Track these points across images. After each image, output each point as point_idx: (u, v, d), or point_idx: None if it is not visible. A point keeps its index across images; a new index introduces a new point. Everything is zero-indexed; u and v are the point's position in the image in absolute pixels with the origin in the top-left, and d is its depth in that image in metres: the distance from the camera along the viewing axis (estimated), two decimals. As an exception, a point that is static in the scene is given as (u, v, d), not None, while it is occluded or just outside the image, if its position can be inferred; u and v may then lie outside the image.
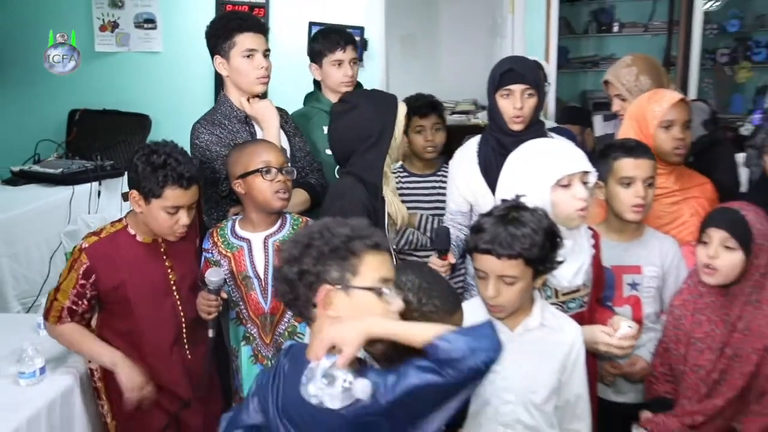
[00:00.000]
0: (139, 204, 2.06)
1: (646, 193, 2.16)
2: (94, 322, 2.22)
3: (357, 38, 3.11)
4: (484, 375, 1.32)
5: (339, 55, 2.84)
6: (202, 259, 2.30)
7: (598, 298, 2.17)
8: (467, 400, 1.59)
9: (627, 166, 2.17)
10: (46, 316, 2.16)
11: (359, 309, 1.40)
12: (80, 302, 2.11)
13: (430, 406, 1.33)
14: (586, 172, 1.97)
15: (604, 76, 2.79)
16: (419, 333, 1.34)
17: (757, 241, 1.95)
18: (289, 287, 1.45)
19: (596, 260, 2.11)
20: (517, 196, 1.81)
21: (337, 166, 2.48)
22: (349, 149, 2.31)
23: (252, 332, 2.27)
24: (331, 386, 1.29)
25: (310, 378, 1.31)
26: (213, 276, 2.12)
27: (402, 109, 2.36)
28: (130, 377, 2.10)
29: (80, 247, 2.11)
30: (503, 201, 1.81)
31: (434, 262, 2.22)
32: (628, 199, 2.17)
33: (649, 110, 2.40)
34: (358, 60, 2.93)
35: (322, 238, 1.44)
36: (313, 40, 2.94)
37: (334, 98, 2.86)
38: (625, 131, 2.47)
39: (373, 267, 1.43)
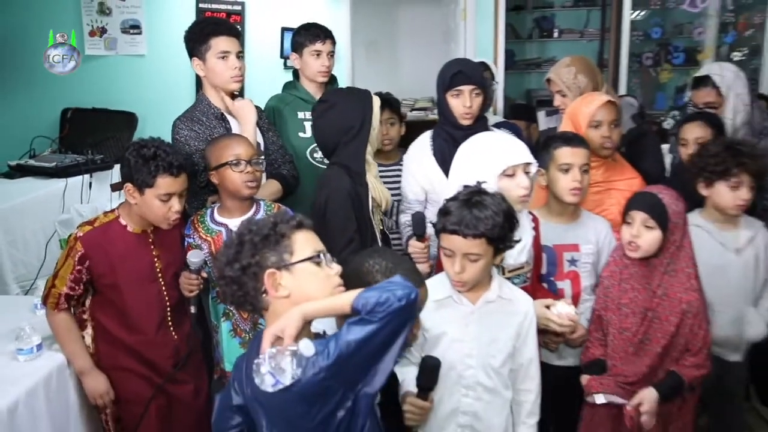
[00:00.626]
0: (133, 196, 2.02)
1: (582, 177, 2.18)
2: (87, 303, 2.17)
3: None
4: (410, 313, 1.34)
5: (318, 46, 2.81)
6: (185, 243, 2.24)
7: (538, 274, 2.19)
8: (436, 367, 1.63)
9: (565, 154, 2.18)
10: (44, 302, 2.11)
11: (304, 281, 1.41)
12: (76, 287, 2.07)
13: (372, 357, 1.34)
14: (528, 163, 1.99)
15: (547, 75, 2.79)
16: (343, 301, 1.36)
17: (673, 220, 2.01)
18: (236, 285, 1.43)
19: (536, 241, 2.13)
20: (479, 183, 1.81)
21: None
22: (334, 142, 2.28)
23: (231, 309, 2.22)
24: (279, 362, 1.28)
25: (260, 364, 1.30)
26: (194, 257, 2.08)
27: (377, 102, 2.34)
28: (95, 386, 2.11)
29: (75, 235, 2.07)
30: (466, 187, 1.81)
31: (414, 245, 2.22)
32: (567, 184, 2.18)
33: (581, 112, 2.43)
34: (334, 53, 2.90)
35: (251, 233, 1.43)
36: (296, 33, 2.90)
37: (310, 87, 2.86)
38: (564, 129, 2.47)
39: (303, 242, 1.44)
